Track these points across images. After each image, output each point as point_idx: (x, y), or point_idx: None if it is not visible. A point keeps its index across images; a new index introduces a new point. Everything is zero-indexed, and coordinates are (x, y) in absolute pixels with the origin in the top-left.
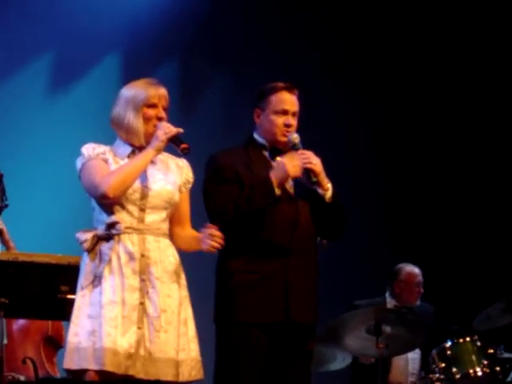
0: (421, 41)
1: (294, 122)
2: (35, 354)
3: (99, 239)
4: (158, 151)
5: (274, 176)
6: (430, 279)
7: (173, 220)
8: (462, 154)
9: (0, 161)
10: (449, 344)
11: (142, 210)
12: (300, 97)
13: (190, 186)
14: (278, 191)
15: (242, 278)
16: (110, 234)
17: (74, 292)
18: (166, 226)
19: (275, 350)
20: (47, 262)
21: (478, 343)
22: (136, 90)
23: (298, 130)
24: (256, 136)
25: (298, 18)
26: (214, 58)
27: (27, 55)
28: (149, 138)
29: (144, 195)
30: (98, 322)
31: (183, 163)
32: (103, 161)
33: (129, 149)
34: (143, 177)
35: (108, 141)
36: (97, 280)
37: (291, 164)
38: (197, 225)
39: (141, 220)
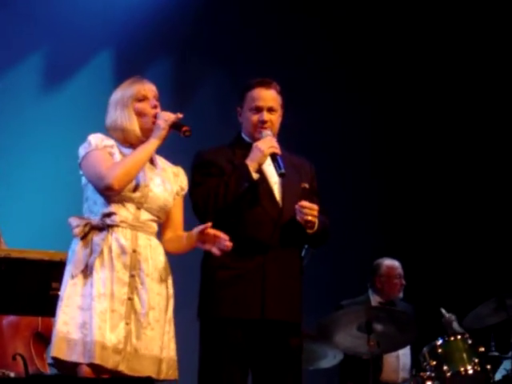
0: (414, 42)
1: (269, 117)
2: (25, 350)
3: (92, 228)
4: (161, 140)
5: (250, 160)
6: (421, 278)
7: (165, 225)
8: (448, 153)
9: None
10: (440, 342)
11: (139, 208)
12: (291, 95)
13: (183, 193)
14: (255, 175)
15: (223, 274)
16: (104, 223)
17: None
18: (156, 227)
19: (257, 347)
20: (39, 258)
21: (469, 341)
22: (122, 90)
23: (289, 129)
24: (243, 135)
25: (294, 17)
26: (209, 56)
27: (19, 53)
28: (147, 132)
29: (144, 195)
30: (89, 314)
31: (179, 171)
32: (109, 154)
33: (129, 151)
34: (145, 177)
35: None
36: (88, 270)
37: (265, 145)
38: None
39: (136, 217)
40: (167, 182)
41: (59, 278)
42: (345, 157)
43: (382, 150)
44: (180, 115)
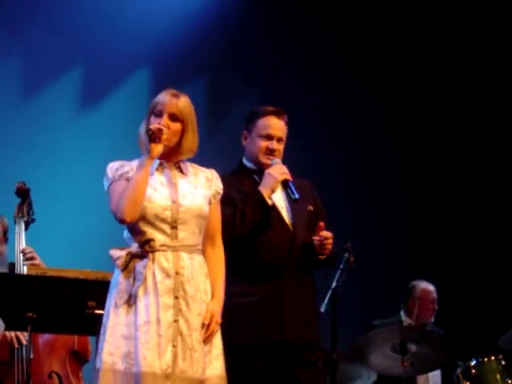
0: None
1: (278, 147)
2: (61, 368)
3: (133, 257)
4: (148, 152)
5: (263, 186)
6: (454, 298)
7: (203, 236)
8: (482, 173)
9: (27, 175)
10: (473, 363)
11: (174, 227)
12: (322, 116)
13: (219, 196)
14: (269, 201)
15: (240, 301)
16: (144, 251)
17: (101, 307)
18: (199, 241)
19: (277, 370)
20: (75, 277)
21: (503, 362)
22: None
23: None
24: (244, 161)
25: (329, 36)
26: (243, 75)
27: (57, 71)
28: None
29: (175, 212)
30: (134, 344)
31: (212, 175)
32: (128, 180)
33: (156, 162)
34: (173, 193)
35: (136, 156)
36: (132, 299)
37: (277, 171)
38: None
39: (174, 237)
40: (199, 187)
41: (95, 297)
42: (380, 180)
43: (416, 171)
44: (157, 125)
